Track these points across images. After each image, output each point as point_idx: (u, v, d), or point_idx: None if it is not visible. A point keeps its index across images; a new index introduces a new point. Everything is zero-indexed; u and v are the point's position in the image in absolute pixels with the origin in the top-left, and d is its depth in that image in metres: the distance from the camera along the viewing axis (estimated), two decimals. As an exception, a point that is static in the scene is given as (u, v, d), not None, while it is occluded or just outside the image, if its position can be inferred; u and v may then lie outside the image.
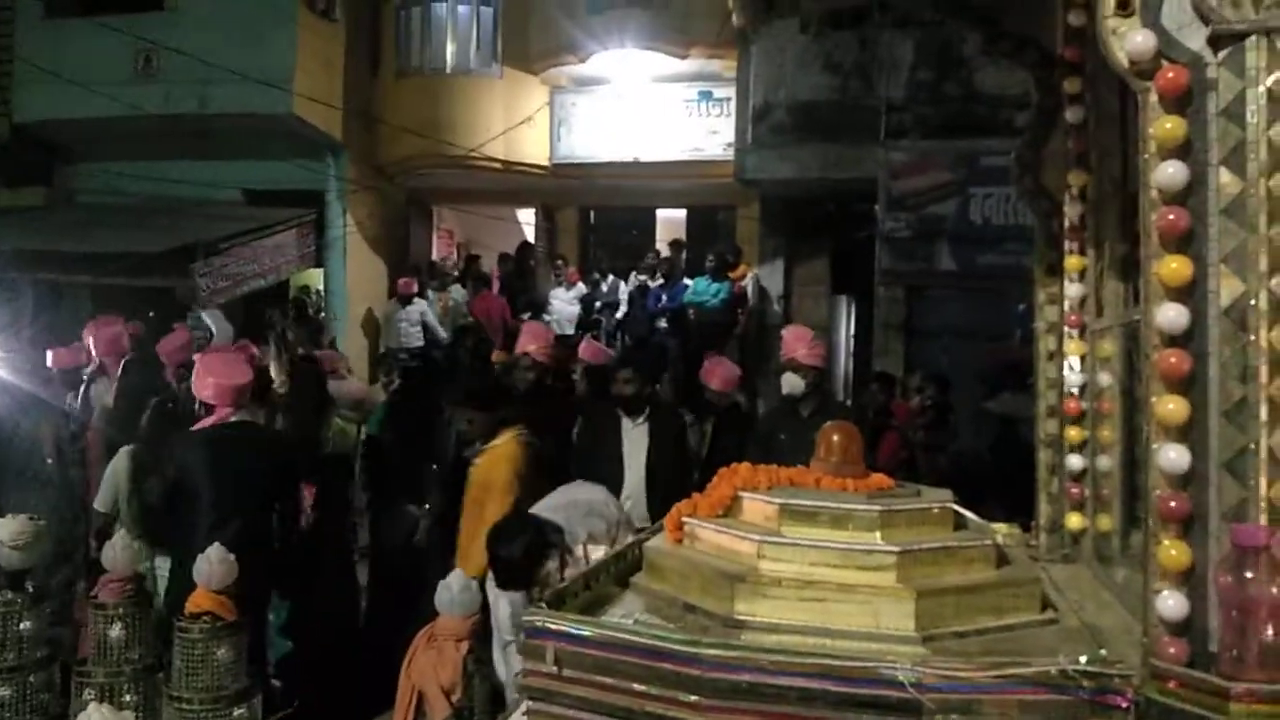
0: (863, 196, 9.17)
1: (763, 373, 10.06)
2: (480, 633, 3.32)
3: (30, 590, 4.09)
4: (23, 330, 9.08)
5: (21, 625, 4.00)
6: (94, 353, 6.67)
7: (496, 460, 4.20)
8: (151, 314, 10.11)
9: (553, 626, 1.77)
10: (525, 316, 11.14)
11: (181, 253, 9.03)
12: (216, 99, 9.88)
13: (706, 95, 10.69)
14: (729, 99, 10.32)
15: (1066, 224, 2.60)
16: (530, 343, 5.79)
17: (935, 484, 5.74)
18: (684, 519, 2.23)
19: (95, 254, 9.39)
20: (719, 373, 5.89)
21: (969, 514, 2.23)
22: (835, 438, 2.30)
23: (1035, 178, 2.66)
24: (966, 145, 8.66)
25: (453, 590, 3.26)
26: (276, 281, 10.56)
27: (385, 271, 11.73)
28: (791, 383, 4.88)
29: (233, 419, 4.50)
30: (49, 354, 6.56)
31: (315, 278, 11.69)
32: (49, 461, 5.27)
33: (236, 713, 3.69)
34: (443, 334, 10.89)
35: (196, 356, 5.45)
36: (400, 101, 11.26)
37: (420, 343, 10.74)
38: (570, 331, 11.18)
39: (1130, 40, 1.54)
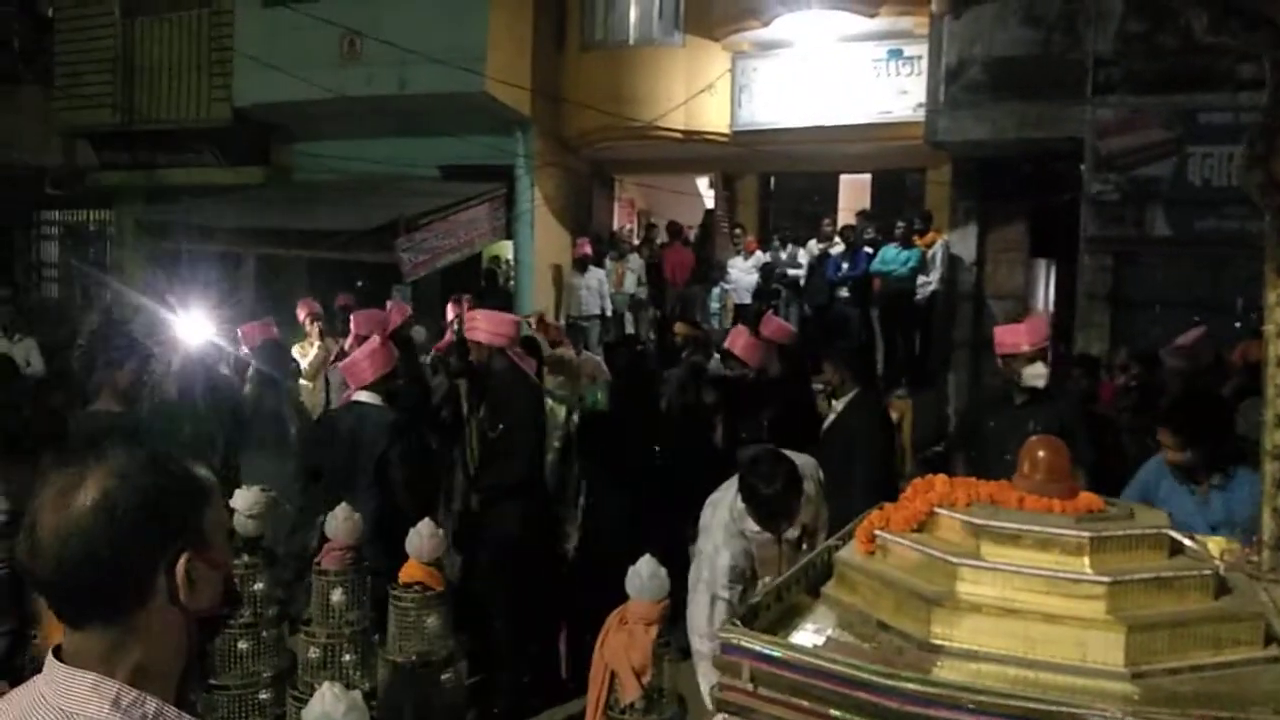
0: (1065, 157, 8.64)
1: (952, 344, 9.74)
2: (670, 616, 3.42)
3: (263, 554, 4.53)
4: (245, 303, 9.93)
5: (255, 586, 4.42)
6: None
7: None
8: (360, 284, 10.87)
9: (748, 645, 1.81)
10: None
11: (387, 229, 9.56)
12: (415, 80, 10.36)
13: (896, 54, 10.28)
14: (920, 57, 9.89)
15: (1304, 220, 2.38)
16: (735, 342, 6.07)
17: (1141, 460, 5.42)
18: (876, 531, 2.21)
19: (310, 230, 10.10)
20: (739, 342, 5.55)
21: (1185, 540, 2.11)
22: (1041, 453, 2.20)
23: (1267, 170, 2.43)
24: (1183, 100, 8.00)
25: (643, 576, 3.36)
26: (471, 254, 11.04)
27: (569, 243, 12.04)
28: (1037, 373, 4.73)
29: (357, 397, 4.85)
30: (240, 331, 6.75)
31: (505, 249, 12.14)
32: (292, 432, 5.72)
33: (444, 676, 3.98)
34: (610, 306, 11.15)
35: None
36: (584, 75, 11.46)
37: (598, 311, 11.02)
38: (748, 301, 11.19)
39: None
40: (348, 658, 4.18)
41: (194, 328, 6.88)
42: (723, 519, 3.68)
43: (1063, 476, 2.20)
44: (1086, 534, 1.97)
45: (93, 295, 12.10)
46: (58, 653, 1.16)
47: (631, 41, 11.35)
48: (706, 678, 3.27)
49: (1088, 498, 2.17)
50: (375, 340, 5.18)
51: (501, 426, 4.71)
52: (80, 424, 4.59)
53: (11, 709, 1.16)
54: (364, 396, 4.92)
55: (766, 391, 5.77)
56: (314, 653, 4.16)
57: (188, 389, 5.84)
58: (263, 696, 4.38)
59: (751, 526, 3.62)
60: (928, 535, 2.14)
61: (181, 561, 1.16)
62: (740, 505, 3.61)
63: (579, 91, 11.33)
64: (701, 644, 3.46)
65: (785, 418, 5.45)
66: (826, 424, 4.91)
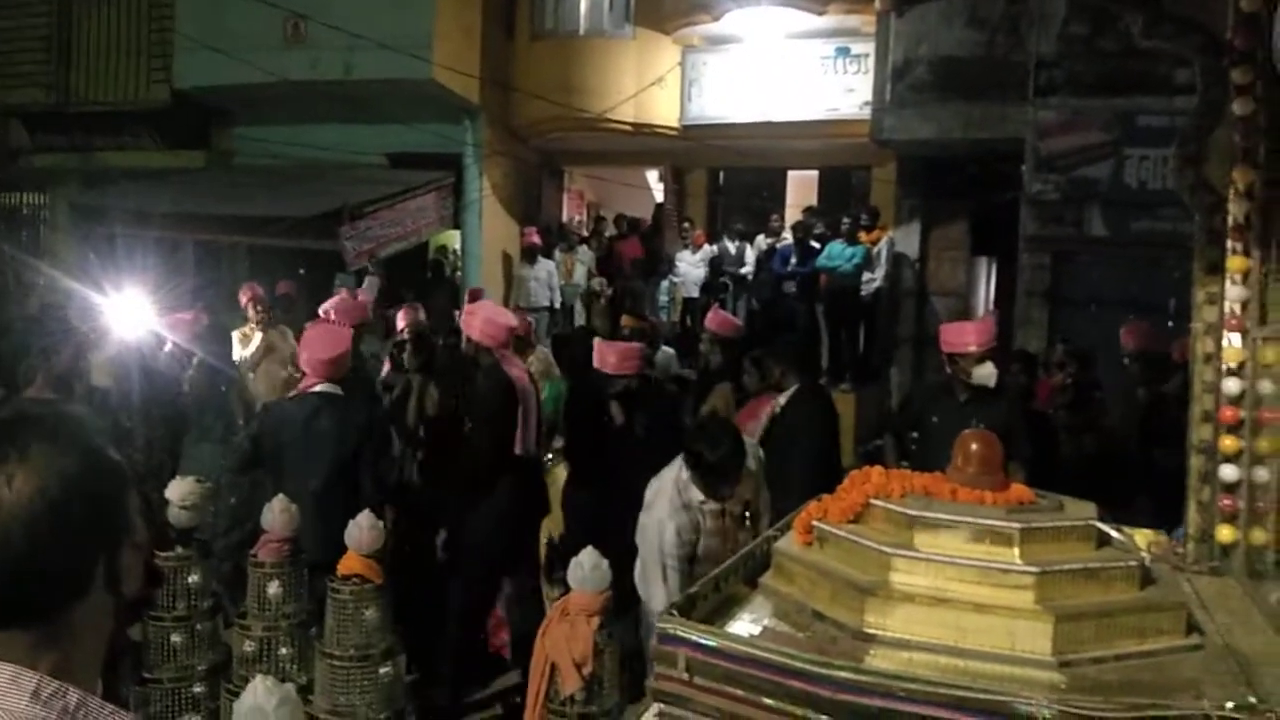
0: (1007, 157, 8.79)
1: (896, 340, 9.87)
2: (611, 608, 3.43)
3: (197, 546, 4.44)
4: (185, 291, 9.71)
5: (190, 579, 4.33)
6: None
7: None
8: (302, 272, 10.68)
9: (684, 635, 1.82)
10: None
11: (331, 216, 9.41)
12: (360, 66, 10.19)
13: (844, 51, 10.39)
14: (867, 55, 10.00)
15: (1230, 222, 2.45)
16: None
17: (1078, 464, 5.53)
18: (814, 522, 2.24)
19: (251, 217, 9.90)
20: (607, 352, 5.27)
21: (1113, 531, 2.16)
22: (974, 446, 2.25)
23: (1198, 171, 2.50)
24: (1122, 103, 8.19)
25: (584, 567, 3.36)
26: (417, 243, 10.90)
27: (518, 233, 11.96)
28: (985, 374, 4.79)
29: (317, 389, 4.76)
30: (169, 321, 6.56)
31: (452, 239, 12.03)
32: (240, 423, 5.59)
33: (382, 670, 3.93)
34: (559, 298, 11.13)
35: (306, 326, 5.76)
36: (534, 65, 11.38)
37: (546, 303, 10.98)
38: (695, 295, 11.23)
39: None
40: (284, 651, 4.11)
41: (130, 314, 6.71)
42: (668, 492, 3.80)
43: (995, 469, 2.24)
44: (1016, 525, 2.02)
45: (25, 280, 11.73)
46: None
47: (582, 32, 11.30)
48: None
49: (1019, 490, 2.22)
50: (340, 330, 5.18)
51: (472, 421, 4.81)
52: (12, 411, 4.43)
53: None
54: (323, 387, 4.85)
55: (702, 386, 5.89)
56: (249, 646, 4.09)
57: (123, 376, 5.70)
58: (197, 690, 4.29)
59: (697, 496, 3.75)
60: (863, 526, 2.17)
61: (127, 553, 1.14)
62: (685, 476, 3.75)
63: (528, 81, 11.26)
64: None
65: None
66: (770, 416, 4.96)
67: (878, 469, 2.33)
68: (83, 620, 1.14)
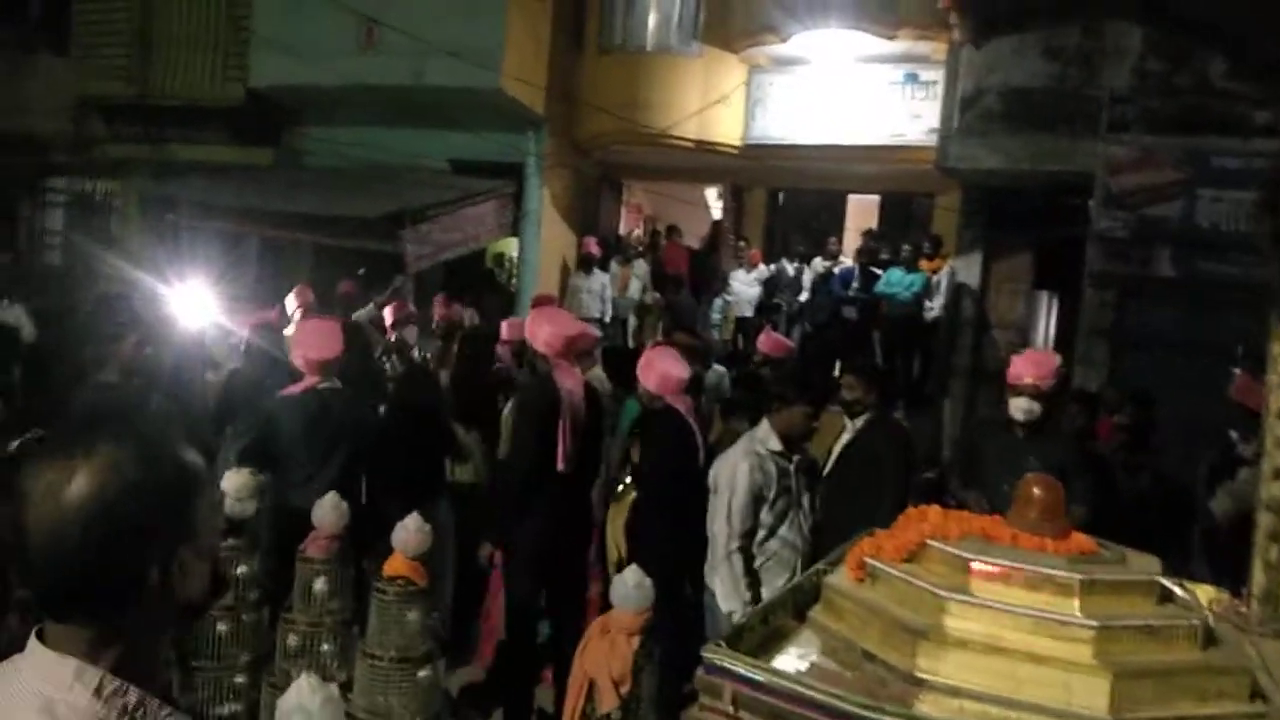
0: (1074, 191, 8.64)
1: (952, 371, 9.74)
2: (650, 628, 3.41)
3: (249, 538, 4.51)
4: (246, 284, 9.90)
5: (239, 570, 4.41)
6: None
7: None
8: (362, 272, 10.84)
9: (730, 667, 1.80)
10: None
11: (392, 218, 9.53)
12: (431, 73, 10.33)
13: (912, 78, 10.31)
14: (936, 82, 9.92)
15: (1314, 274, 2.37)
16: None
17: (1134, 506, 5.38)
18: (866, 559, 2.20)
19: (315, 215, 10.07)
20: (657, 368, 4.76)
21: (1175, 587, 2.10)
22: (1036, 491, 2.20)
23: (1277, 218, 2.43)
24: (1196, 142, 7.99)
25: (628, 585, 3.35)
26: (475, 249, 11.02)
27: (575, 244, 12.03)
28: (1024, 408, 4.61)
29: (320, 387, 4.85)
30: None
31: (509, 247, 12.12)
32: None
33: (421, 674, 3.95)
34: (610, 310, 11.14)
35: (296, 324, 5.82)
36: (600, 78, 11.46)
37: (597, 314, 11.01)
38: (749, 314, 11.19)
39: None
40: (326, 647, 4.16)
41: (194, 305, 6.86)
42: (743, 442, 4.23)
43: (1056, 516, 2.19)
44: (1077, 576, 1.96)
45: (94, 266, 12.05)
46: (40, 635, 1.15)
47: (649, 48, 11.36)
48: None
49: (1080, 539, 2.16)
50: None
51: (516, 431, 4.74)
52: (82, 396, 4.56)
53: None
54: (325, 384, 4.93)
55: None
56: (293, 640, 4.15)
57: (186, 366, 5.82)
58: (238, 680, 4.36)
59: (773, 444, 4.16)
60: (918, 566, 2.13)
61: (183, 555, 1.15)
62: (763, 429, 4.22)
63: (593, 94, 11.34)
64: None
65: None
66: (844, 441, 4.88)
67: (935, 508, 2.29)
68: (141, 621, 1.15)
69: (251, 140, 12.54)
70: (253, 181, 11.47)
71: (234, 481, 4.38)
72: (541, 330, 4.66)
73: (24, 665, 1.14)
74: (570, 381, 4.62)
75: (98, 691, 1.11)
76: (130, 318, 4.91)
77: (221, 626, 4.29)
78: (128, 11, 12.92)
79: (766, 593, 4.02)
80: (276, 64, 11.16)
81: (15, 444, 3.78)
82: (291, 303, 7.45)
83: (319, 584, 4.22)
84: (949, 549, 2.08)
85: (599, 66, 11.56)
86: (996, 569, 2.00)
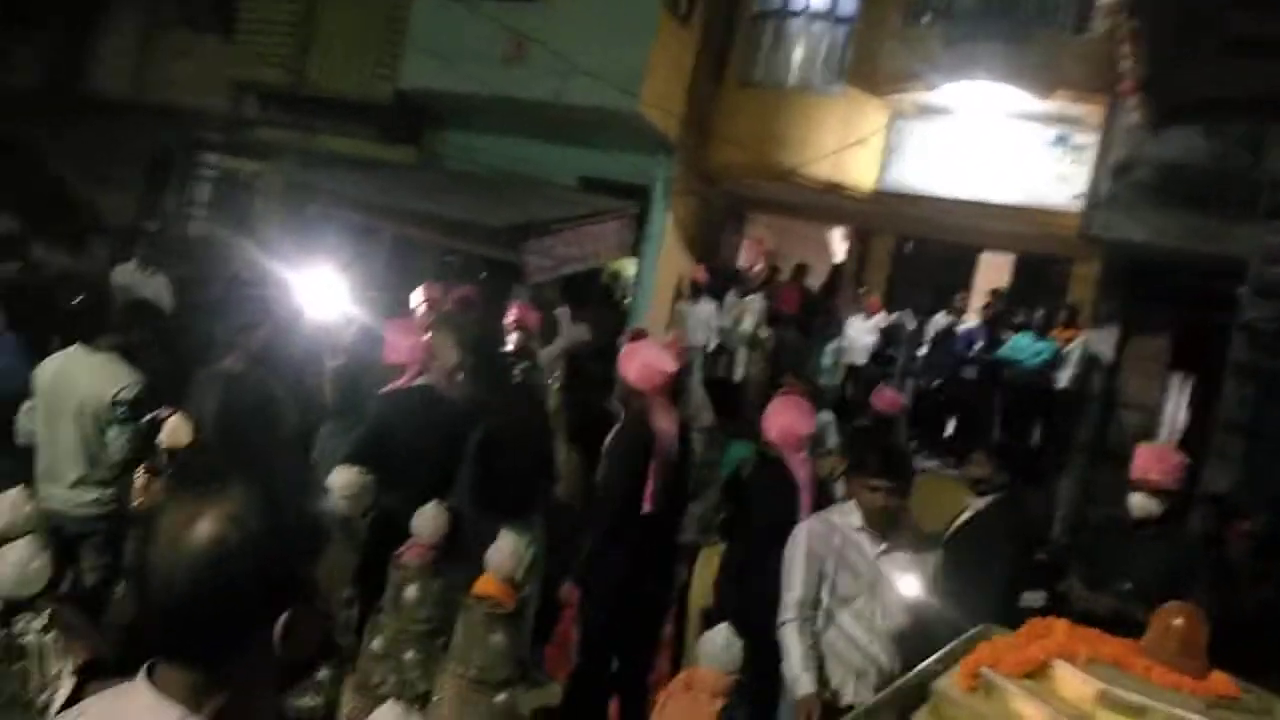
0: (1223, 275, 8.17)
1: (1072, 446, 9.32)
2: (735, 690, 3.32)
3: (348, 535, 4.58)
4: (376, 279, 10.15)
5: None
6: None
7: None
8: (482, 276, 11.04)
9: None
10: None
11: (518, 229, 9.67)
12: (571, 91, 10.47)
13: (1063, 140, 9.93)
14: (1087, 147, 9.54)
15: None
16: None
17: (1257, 612, 5.05)
18: (982, 669, 2.07)
19: (446, 218, 10.30)
20: (780, 420, 4.40)
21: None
22: (1176, 621, 2.04)
23: None
24: (1364, 238, 7.48)
25: (717, 644, 3.26)
26: (594, 266, 11.09)
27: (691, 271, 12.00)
28: (1140, 505, 4.37)
29: (421, 383, 4.88)
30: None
31: (627, 267, 12.18)
32: None
33: (499, 698, 3.93)
34: (715, 339, 11.03)
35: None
36: (737, 110, 11.41)
37: (701, 342, 10.93)
38: (862, 362, 10.96)
39: None
40: (410, 655, 4.18)
41: (324, 294, 7.02)
42: (810, 528, 3.65)
43: (1197, 652, 2.02)
44: (1217, 724, 1.81)
45: (233, 242, 12.60)
46: (151, 671, 1.15)
47: (790, 84, 11.26)
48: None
49: (1221, 681, 1.99)
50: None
51: (605, 468, 4.56)
52: (207, 381, 4.70)
53: (97, 715, 1.16)
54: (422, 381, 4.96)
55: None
56: (378, 644, 4.19)
57: (312, 357, 5.96)
58: (321, 675, 4.43)
59: (855, 520, 3.57)
60: (1039, 685, 1.99)
61: (285, 617, 1.13)
62: (843, 505, 3.68)
63: (728, 125, 11.31)
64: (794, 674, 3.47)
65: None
66: (962, 519, 4.68)
67: (1062, 623, 2.14)
68: (245, 674, 1.14)
69: (395, 139, 12.95)
70: (391, 179, 11.82)
71: (342, 478, 4.46)
72: (635, 365, 4.48)
73: (129, 701, 1.14)
74: (665, 421, 4.46)
75: None
76: (261, 307, 5.05)
77: (311, 620, 4.35)
78: (292, 4, 13.53)
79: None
80: (426, 68, 11.50)
81: (145, 421, 3.95)
82: (418, 298, 7.54)
83: (410, 591, 4.25)
84: (1077, 674, 1.93)
85: (737, 98, 11.52)
86: (1126, 703, 1.85)
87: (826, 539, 3.56)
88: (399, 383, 4.96)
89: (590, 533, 4.44)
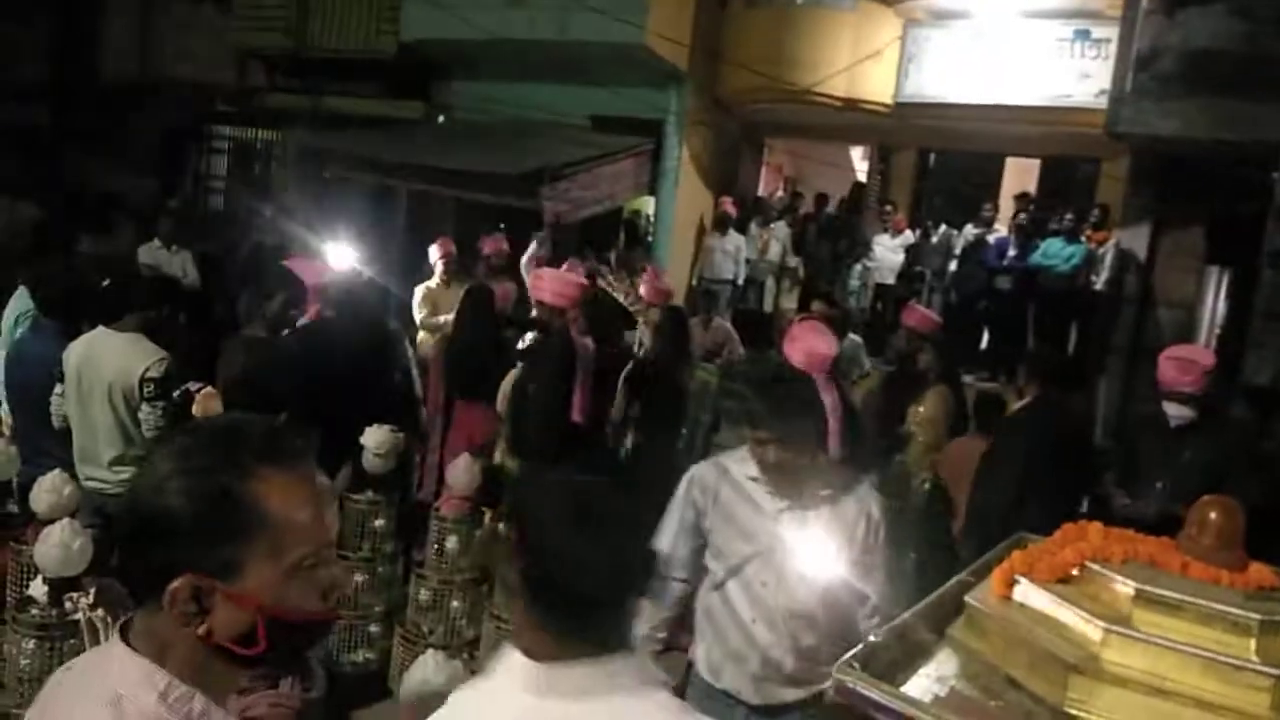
0: (1255, 161, 7.92)
1: (1109, 348, 9.19)
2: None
3: (387, 493, 4.65)
4: (396, 238, 10.16)
5: (376, 523, 4.56)
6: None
7: None
8: (502, 227, 11.00)
9: (864, 692, 1.71)
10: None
11: (532, 176, 9.60)
12: (575, 27, 10.30)
13: (1083, 34, 9.61)
14: (1109, 40, 9.21)
15: None
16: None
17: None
18: (1018, 576, 2.05)
19: (462, 171, 10.24)
20: (801, 344, 3.68)
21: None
22: (1213, 515, 1.99)
23: None
24: (1400, 112, 7.19)
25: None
26: (612, 207, 11.00)
27: (712, 204, 11.86)
28: (1175, 412, 4.37)
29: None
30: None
31: (645, 205, 12.06)
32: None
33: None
34: (744, 272, 10.93)
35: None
36: (746, 33, 11.15)
37: (730, 276, 10.84)
38: (891, 281, 10.82)
39: None
40: (456, 604, 4.27)
41: (344, 258, 7.04)
42: (696, 471, 2.93)
43: (1235, 545, 1.98)
44: (1256, 615, 1.77)
45: (253, 212, 12.63)
46: (125, 628, 1.19)
47: (799, 1, 10.97)
48: None
49: (1261, 572, 1.95)
50: None
51: (531, 387, 4.86)
52: (233, 350, 4.78)
53: (75, 674, 1.22)
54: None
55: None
56: (424, 595, 4.28)
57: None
58: (372, 629, 4.54)
59: (750, 470, 2.77)
60: (1074, 590, 1.97)
61: (179, 583, 1.12)
62: (742, 450, 2.83)
63: (738, 49, 11.06)
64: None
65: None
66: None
67: (1096, 525, 2.11)
68: (168, 630, 1.15)
69: (402, 94, 12.85)
70: (401, 136, 11.76)
71: (374, 436, 4.52)
72: (549, 287, 4.93)
73: (106, 657, 1.19)
74: (583, 337, 4.98)
75: (163, 695, 1.13)
76: (281, 274, 5.08)
77: (358, 577, 4.45)
78: (286, -36, 13.37)
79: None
80: (427, 17, 11.35)
81: (178, 393, 4.00)
82: (434, 254, 7.55)
83: (450, 542, 4.32)
84: (1110, 574, 1.91)
85: (745, 20, 11.25)
86: (1163, 600, 1.83)
87: (712, 487, 2.84)
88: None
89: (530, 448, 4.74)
